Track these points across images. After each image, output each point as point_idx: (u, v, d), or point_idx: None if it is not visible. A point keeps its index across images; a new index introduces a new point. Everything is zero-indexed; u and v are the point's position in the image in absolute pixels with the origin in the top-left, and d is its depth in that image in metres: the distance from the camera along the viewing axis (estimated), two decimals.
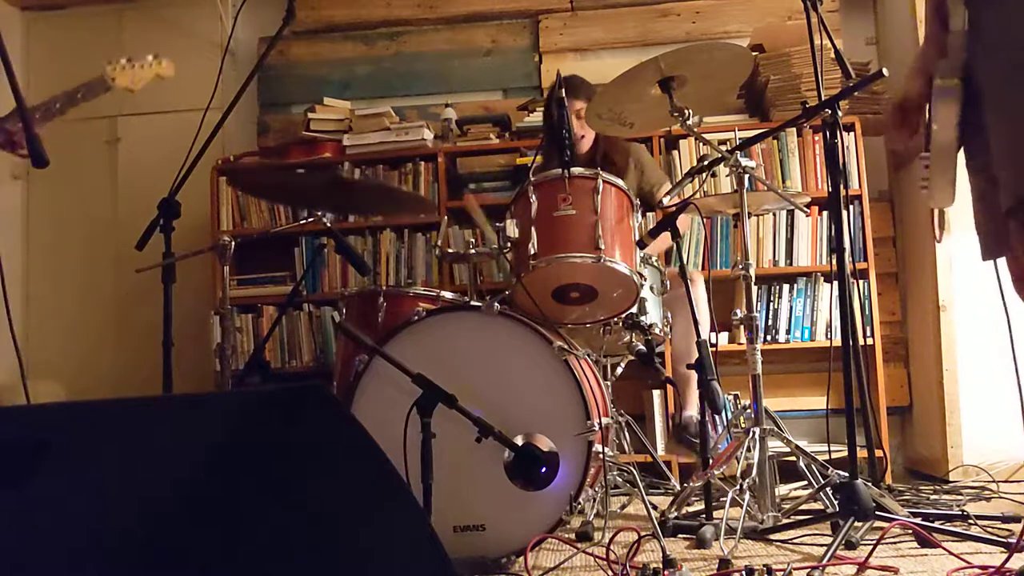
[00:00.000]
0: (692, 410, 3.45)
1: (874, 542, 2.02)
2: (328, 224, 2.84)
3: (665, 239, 2.63)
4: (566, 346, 2.34)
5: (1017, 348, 2.14)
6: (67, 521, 0.84)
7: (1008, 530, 2.29)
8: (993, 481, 3.12)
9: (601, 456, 2.34)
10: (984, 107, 1.84)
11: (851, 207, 3.78)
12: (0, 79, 1.74)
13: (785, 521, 2.41)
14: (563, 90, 2.46)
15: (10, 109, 2.58)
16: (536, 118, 4.14)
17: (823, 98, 2.39)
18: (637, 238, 2.57)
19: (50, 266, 4.65)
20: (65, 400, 3.75)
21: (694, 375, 2.86)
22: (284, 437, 0.83)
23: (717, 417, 3.65)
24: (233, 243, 2.62)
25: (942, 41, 1.94)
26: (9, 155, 2.83)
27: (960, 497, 2.93)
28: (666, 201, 2.79)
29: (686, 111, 2.62)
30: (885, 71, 2.35)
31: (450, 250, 2.90)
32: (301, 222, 2.77)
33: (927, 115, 2.06)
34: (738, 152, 2.58)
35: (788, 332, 3.90)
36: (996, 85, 1.82)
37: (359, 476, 0.84)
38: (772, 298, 3.92)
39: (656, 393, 3.87)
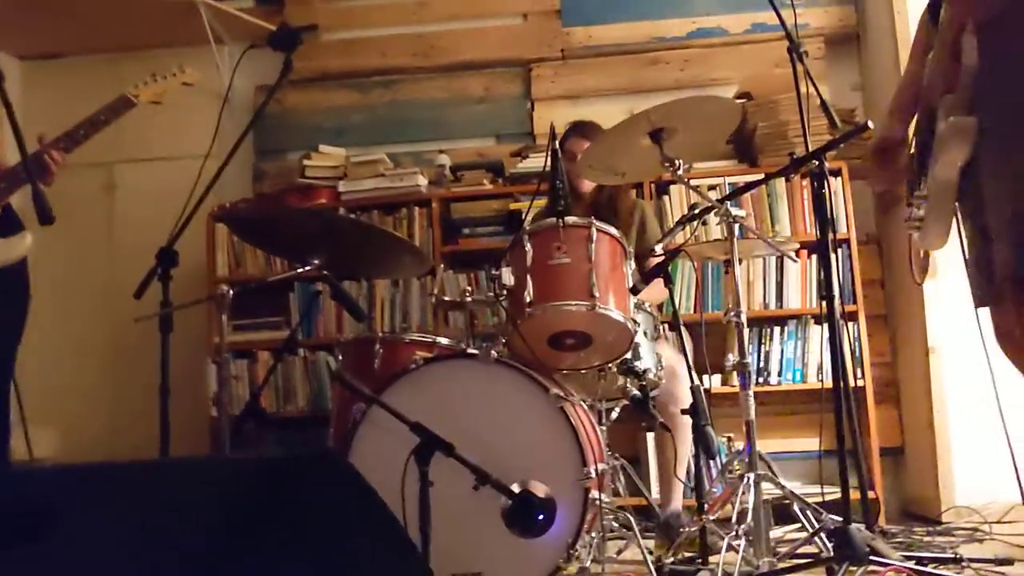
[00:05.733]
0: (677, 504, 3.34)
1: None
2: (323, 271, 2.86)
3: (659, 288, 2.67)
4: (562, 393, 2.37)
5: (1002, 394, 2.16)
6: None
7: (1001, 572, 2.31)
8: (985, 522, 3.14)
9: (598, 502, 2.36)
10: (983, 150, 1.77)
11: (839, 250, 3.84)
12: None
13: (780, 566, 2.42)
14: (557, 141, 2.52)
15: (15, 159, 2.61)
16: (529, 164, 4.20)
17: (810, 145, 2.45)
18: (631, 285, 2.61)
19: (45, 312, 4.65)
20: (62, 461, 3.74)
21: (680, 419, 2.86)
22: (298, 503, 0.85)
23: (712, 461, 3.66)
24: (231, 292, 2.64)
25: (949, 74, 1.82)
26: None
27: (953, 539, 2.95)
28: (658, 248, 2.83)
29: (676, 161, 2.66)
30: (871, 123, 2.41)
31: (446, 297, 2.93)
32: (298, 270, 2.78)
33: (914, 153, 2.06)
34: (728, 202, 2.63)
35: (780, 374, 3.93)
36: (1004, 129, 1.73)
37: (372, 543, 0.86)
38: (763, 340, 3.95)
39: (650, 436, 3.89)
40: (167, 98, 3.12)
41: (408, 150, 4.55)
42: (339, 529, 0.83)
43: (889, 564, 2.16)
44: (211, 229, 4.26)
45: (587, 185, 3.53)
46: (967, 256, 1.93)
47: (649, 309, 2.91)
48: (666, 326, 3.19)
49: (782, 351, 3.95)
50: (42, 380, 4.46)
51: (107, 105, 2.98)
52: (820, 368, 3.86)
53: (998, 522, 3.27)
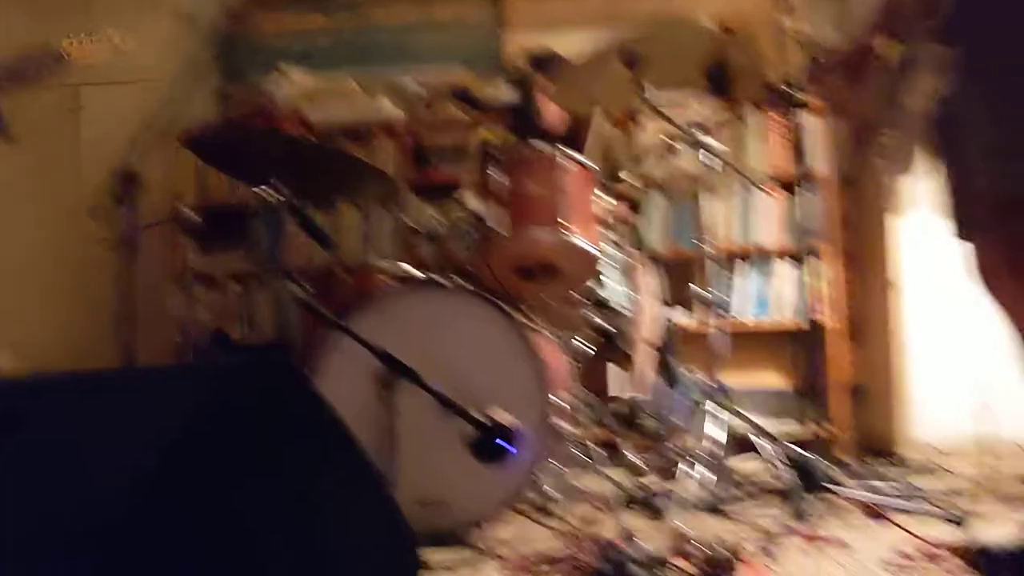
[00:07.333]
0: (639, 390, 3.40)
1: (825, 515, 2.07)
2: (290, 197, 2.81)
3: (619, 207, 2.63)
4: (528, 322, 2.36)
5: (968, 325, 2.16)
6: (32, 499, 0.84)
7: (952, 502, 2.36)
8: (942, 454, 3.21)
9: (561, 431, 2.37)
10: (960, 78, 1.77)
11: (810, 187, 3.82)
12: None
13: (739, 494, 2.46)
14: (530, 67, 2.46)
15: None
16: (499, 93, 4.12)
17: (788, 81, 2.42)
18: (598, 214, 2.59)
19: (5, 234, 4.56)
20: (20, 369, 3.70)
21: (645, 351, 2.90)
22: (249, 409, 0.83)
23: (673, 391, 3.70)
24: (195, 214, 2.59)
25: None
26: None
27: (909, 471, 3.01)
28: (623, 175, 2.81)
29: (650, 89, 2.62)
30: None
31: (413, 225, 2.90)
32: (262, 195, 2.72)
33: (881, 79, 2.02)
34: (700, 131, 2.60)
35: (747, 311, 3.95)
36: (980, 54, 1.70)
37: (323, 449, 0.85)
38: (731, 277, 3.96)
39: (616, 371, 3.90)
40: (97, 62, 2.99)
41: (375, 76, 4.45)
42: (287, 433, 0.82)
43: (846, 493, 2.20)
44: (176, 154, 4.16)
45: (557, 127, 3.47)
46: (946, 188, 1.92)
47: (618, 241, 2.89)
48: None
49: (750, 287, 3.96)
50: (2, 301, 4.40)
51: (36, 56, 2.83)
52: (787, 305, 3.88)
53: (954, 455, 3.35)
